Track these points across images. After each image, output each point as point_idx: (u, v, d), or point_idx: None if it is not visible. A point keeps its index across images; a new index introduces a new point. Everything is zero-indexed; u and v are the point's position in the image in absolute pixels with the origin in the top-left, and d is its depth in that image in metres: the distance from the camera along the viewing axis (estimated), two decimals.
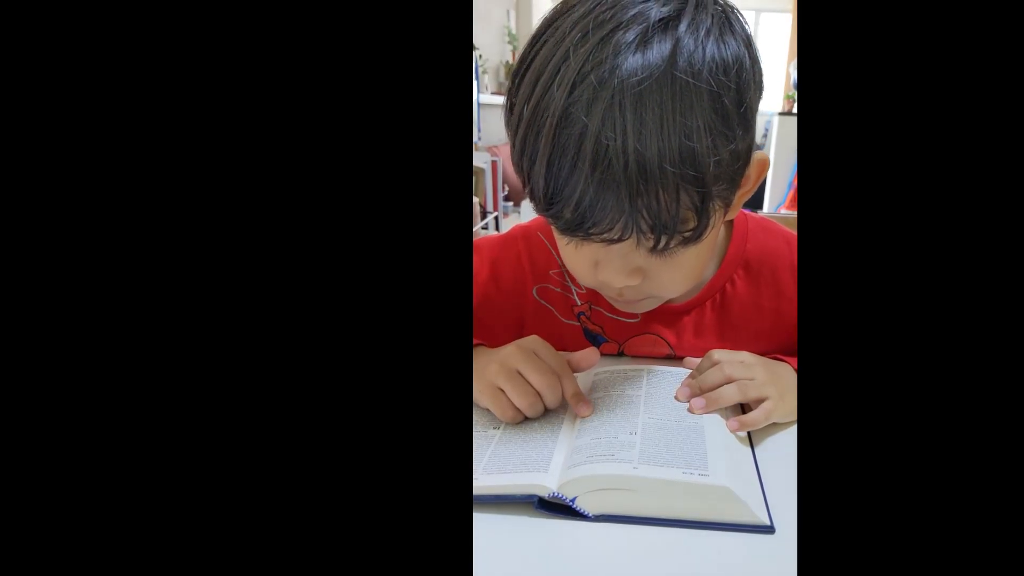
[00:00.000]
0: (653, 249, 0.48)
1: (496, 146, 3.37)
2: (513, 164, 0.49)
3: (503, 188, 3.24)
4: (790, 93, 4.65)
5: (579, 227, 0.46)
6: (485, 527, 0.42)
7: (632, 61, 0.42)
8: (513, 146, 0.48)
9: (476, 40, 3.29)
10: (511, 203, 3.41)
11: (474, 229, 2.69)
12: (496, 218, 3.10)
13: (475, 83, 3.14)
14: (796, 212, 0.44)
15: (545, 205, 0.46)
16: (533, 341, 0.56)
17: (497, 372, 0.54)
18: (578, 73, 0.42)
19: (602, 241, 0.47)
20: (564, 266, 0.69)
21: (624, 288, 0.54)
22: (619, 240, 0.46)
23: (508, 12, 4.29)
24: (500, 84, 4.08)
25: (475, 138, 3.22)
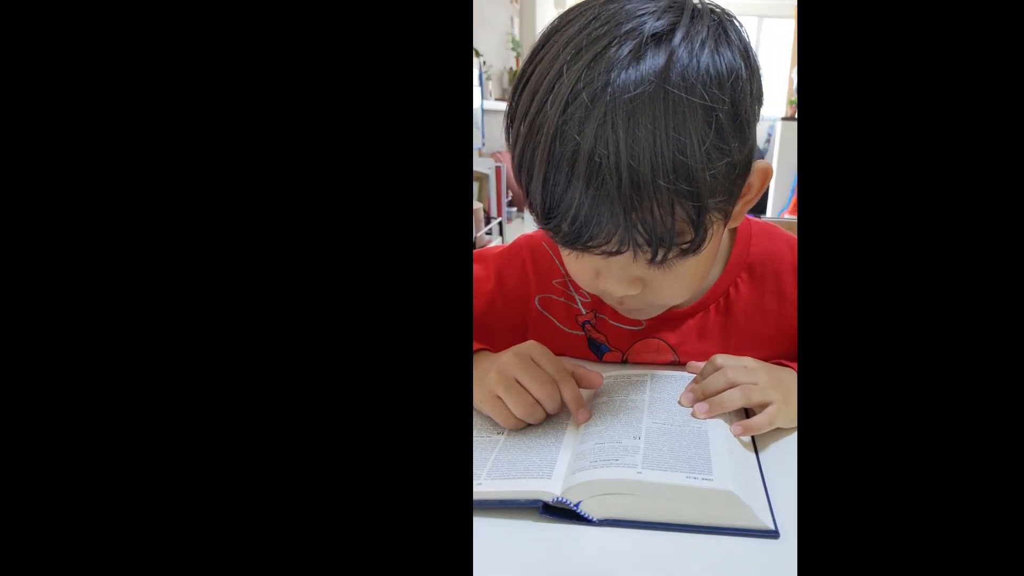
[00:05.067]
0: (651, 261, 0.48)
1: (500, 152, 3.37)
2: (514, 177, 0.50)
3: (506, 193, 3.25)
4: (793, 98, 4.65)
5: (577, 240, 0.46)
6: (489, 532, 0.42)
7: (625, 76, 0.42)
8: (512, 160, 0.49)
9: (480, 46, 3.30)
10: (515, 208, 3.41)
11: (477, 235, 2.70)
12: (500, 223, 3.11)
13: (479, 89, 3.14)
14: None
15: (544, 219, 0.47)
16: (530, 347, 0.56)
17: (496, 381, 0.54)
18: (571, 91, 0.42)
19: (601, 253, 0.47)
20: (567, 274, 0.69)
21: (624, 297, 0.54)
22: (617, 253, 0.47)
23: (512, 18, 4.31)
24: (504, 90, 4.09)
25: (479, 144, 3.22)
